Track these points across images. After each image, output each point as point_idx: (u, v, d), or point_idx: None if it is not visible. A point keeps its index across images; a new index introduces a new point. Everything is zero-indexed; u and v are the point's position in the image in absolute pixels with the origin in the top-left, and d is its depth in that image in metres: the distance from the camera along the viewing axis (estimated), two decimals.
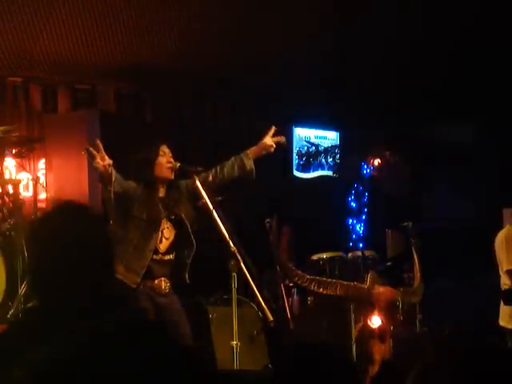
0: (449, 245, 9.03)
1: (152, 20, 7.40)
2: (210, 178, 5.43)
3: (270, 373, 2.22)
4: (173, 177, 5.33)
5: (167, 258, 5.30)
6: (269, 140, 5.65)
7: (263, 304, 5.12)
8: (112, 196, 5.12)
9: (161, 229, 5.28)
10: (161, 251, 5.28)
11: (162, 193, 5.33)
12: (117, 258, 5.27)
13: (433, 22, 7.73)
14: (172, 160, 5.31)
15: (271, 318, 5.11)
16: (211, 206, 5.17)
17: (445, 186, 10.01)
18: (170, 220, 5.33)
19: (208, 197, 5.22)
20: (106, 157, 5.08)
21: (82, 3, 6.94)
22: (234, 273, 5.18)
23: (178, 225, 5.35)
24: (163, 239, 5.30)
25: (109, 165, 5.04)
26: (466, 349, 1.80)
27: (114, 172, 5.07)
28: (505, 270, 6.41)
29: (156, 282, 5.21)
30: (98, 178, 5.23)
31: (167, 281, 5.26)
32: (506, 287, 6.42)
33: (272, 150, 5.67)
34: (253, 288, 5.06)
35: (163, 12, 7.28)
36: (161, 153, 5.30)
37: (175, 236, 5.34)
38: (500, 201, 6.79)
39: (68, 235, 2.16)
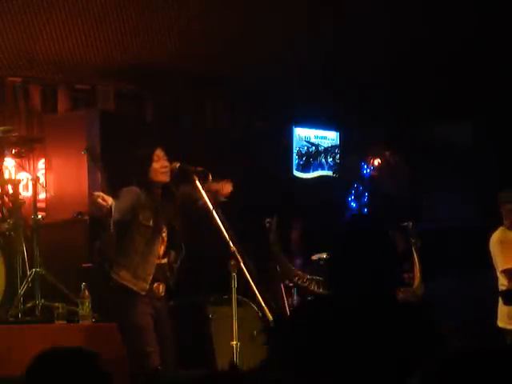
0: (449, 245, 9.03)
1: (152, 20, 7.39)
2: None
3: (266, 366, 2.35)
4: (169, 179, 5.30)
5: (163, 261, 5.32)
6: (216, 185, 5.44)
7: (263, 304, 5.12)
8: (112, 226, 5.13)
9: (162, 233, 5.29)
10: (160, 255, 5.30)
11: (159, 196, 5.32)
12: (123, 267, 5.30)
13: (432, 22, 7.73)
14: (167, 164, 5.28)
15: (271, 318, 5.11)
16: (211, 206, 5.16)
17: (444, 185, 10.00)
18: (165, 224, 5.34)
19: (208, 197, 5.21)
20: (106, 196, 5.03)
21: (81, 3, 6.94)
22: (234, 273, 5.18)
23: (169, 228, 5.35)
24: (161, 244, 5.32)
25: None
26: (464, 349, 1.81)
27: (112, 204, 5.00)
28: (500, 270, 6.43)
29: (155, 285, 5.23)
30: (95, 211, 5.17)
31: (164, 284, 5.28)
32: (504, 288, 6.44)
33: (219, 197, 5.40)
34: (253, 288, 5.06)
35: (163, 12, 7.28)
36: (155, 158, 5.26)
37: (168, 239, 5.35)
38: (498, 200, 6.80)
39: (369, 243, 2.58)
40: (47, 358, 1.89)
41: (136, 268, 5.14)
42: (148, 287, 5.17)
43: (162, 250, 5.30)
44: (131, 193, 5.20)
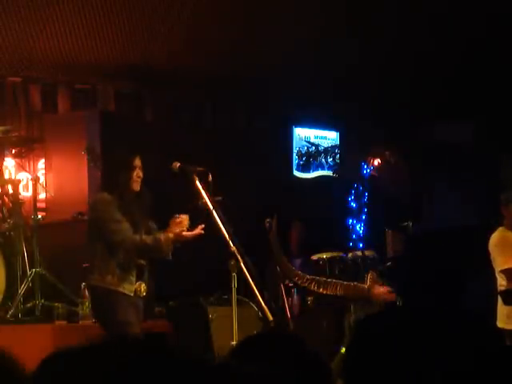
0: (448, 245, 9.02)
1: (152, 20, 7.40)
2: None
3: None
4: (139, 188, 5.29)
5: (142, 261, 5.34)
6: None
7: (263, 304, 5.12)
8: (89, 236, 5.37)
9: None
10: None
11: (131, 202, 5.32)
12: (107, 273, 5.33)
13: (434, 23, 7.73)
14: (141, 174, 5.29)
15: (271, 319, 5.11)
16: (211, 206, 5.16)
17: (445, 185, 10.00)
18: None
19: (208, 197, 5.21)
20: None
21: (81, 3, 6.94)
22: (234, 273, 5.18)
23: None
24: None
25: None
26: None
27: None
28: (499, 270, 6.44)
29: (137, 285, 5.25)
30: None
31: (144, 284, 5.31)
32: (503, 288, 6.44)
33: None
34: (253, 288, 5.06)
35: (163, 11, 7.28)
36: (133, 166, 5.27)
37: None
38: (500, 201, 6.79)
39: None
40: (56, 361, 1.85)
41: (120, 271, 5.17)
42: (134, 288, 5.21)
43: None
44: (108, 203, 5.21)
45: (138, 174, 5.25)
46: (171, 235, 5.19)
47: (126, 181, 5.22)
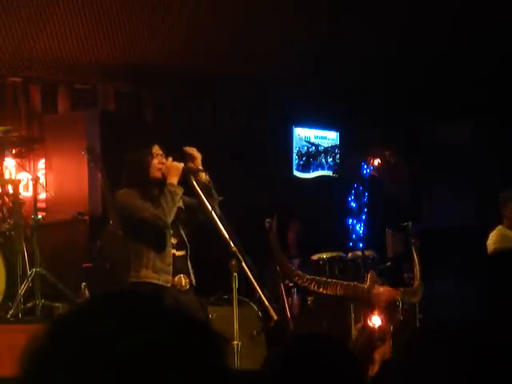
0: (448, 245, 9.02)
1: (152, 19, 7.40)
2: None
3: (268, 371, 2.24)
4: (161, 176, 5.24)
5: (181, 253, 5.24)
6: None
7: (267, 303, 5.10)
8: (124, 229, 5.36)
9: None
10: (174, 246, 5.23)
11: (156, 193, 5.25)
12: (141, 267, 5.23)
13: (431, 20, 7.74)
14: (164, 161, 5.25)
15: (275, 317, 5.09)
16: (210, 207, 5.15)
17: (444, 186, 10.00)
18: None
19: (206, 197, 5.19)
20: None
21: (81, 3, 6.95)
22: (235, 273, 5.17)
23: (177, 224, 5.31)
24: (173, 235, 5.26)
25: None
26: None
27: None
28: None
29: (176, 278, 5.17)
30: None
31: (186, 277, 5.21)
32: None
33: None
34: (255, 288, 5.05)
35: (163, 11, 7.28)
36: (154, 154, 5.24)
37: (181, 233, 5.30)
38: (498, 200, 6.80)
39: None
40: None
41: (154, 262, 5.08)
42: (171, 279, 5.12)
43: (174, 240, 5.24)
44: (128, 193, 5.16)
45: (160, 160, 5.21)
46: (169, 180, 5.11)
47: (146, 169, 5.18)
